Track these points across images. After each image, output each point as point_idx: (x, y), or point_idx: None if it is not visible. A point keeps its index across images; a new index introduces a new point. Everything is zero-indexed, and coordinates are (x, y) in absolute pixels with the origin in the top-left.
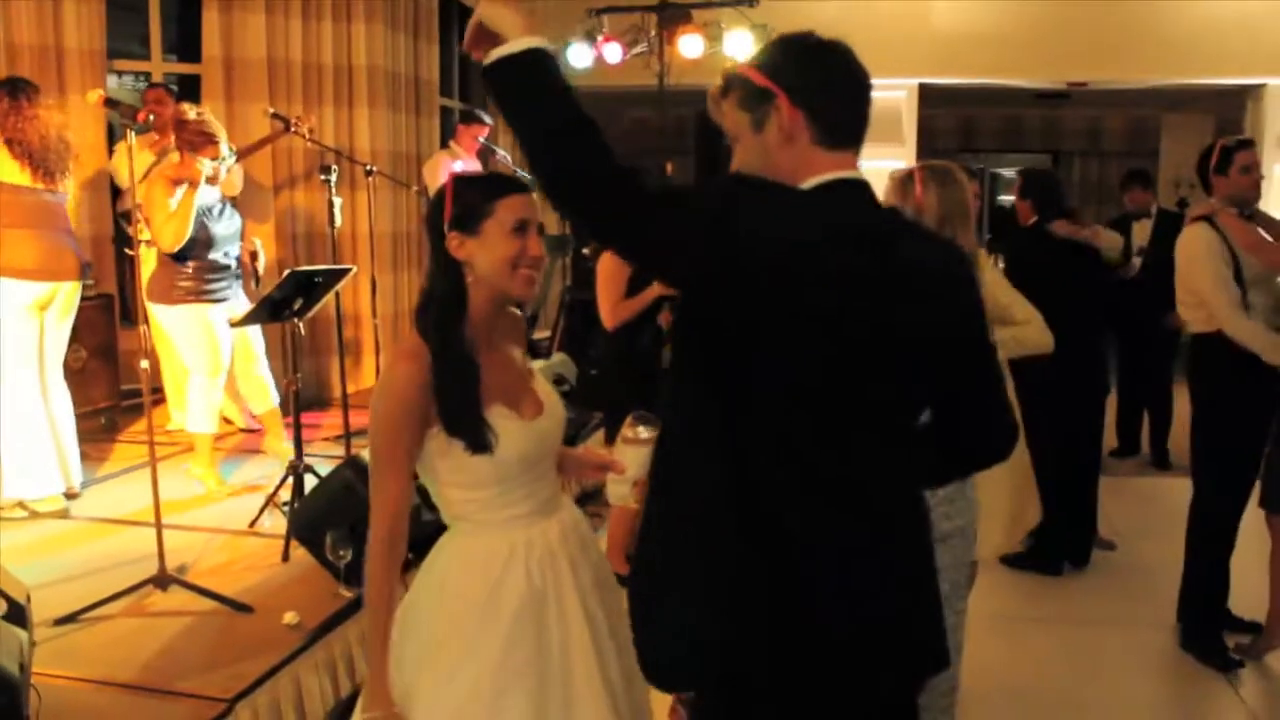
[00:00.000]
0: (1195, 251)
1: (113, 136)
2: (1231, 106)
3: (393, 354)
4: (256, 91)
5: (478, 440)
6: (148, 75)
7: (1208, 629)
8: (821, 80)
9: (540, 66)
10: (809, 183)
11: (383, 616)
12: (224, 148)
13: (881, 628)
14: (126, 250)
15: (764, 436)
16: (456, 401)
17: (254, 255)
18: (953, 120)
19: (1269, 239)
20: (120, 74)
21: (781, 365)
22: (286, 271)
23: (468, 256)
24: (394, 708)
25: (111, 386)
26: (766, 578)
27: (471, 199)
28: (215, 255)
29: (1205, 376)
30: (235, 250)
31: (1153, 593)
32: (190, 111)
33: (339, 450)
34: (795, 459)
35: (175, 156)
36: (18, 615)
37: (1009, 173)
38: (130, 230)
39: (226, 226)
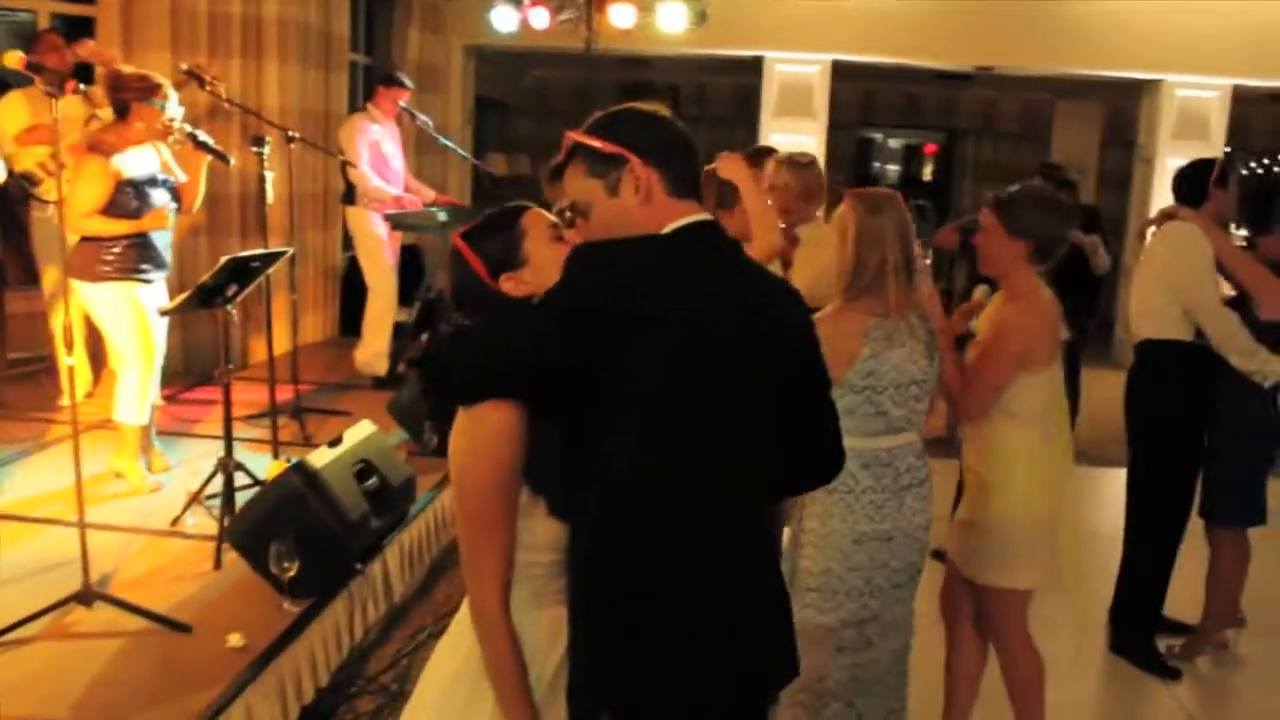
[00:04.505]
0: (1190, 246)
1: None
2: (1122, 98)
3: None
4: (158, 40)
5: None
6: (30, 15)
7: (1143, 635)
8: (664, 140)
9: None
10: (669, 227)
11: (519, 694)
12: (173, 100)
13: (736, 641)
14: (30, 210)
15: (633, 469)
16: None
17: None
18: (855, 94)
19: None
20: None
21: (647, 401)
22: (224, 259)
23: (530, 288)
24: None
25: None
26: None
27: (495, 237)
28: (150, 234)
29: (1154, 383)
30: (168, 236)
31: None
32: (119, 64)
33: (255, 432)
34: (661, 489)
35: (106, 114)
36: None
37: (896, 144)
38: (33, 190)
39: (163, 201)
